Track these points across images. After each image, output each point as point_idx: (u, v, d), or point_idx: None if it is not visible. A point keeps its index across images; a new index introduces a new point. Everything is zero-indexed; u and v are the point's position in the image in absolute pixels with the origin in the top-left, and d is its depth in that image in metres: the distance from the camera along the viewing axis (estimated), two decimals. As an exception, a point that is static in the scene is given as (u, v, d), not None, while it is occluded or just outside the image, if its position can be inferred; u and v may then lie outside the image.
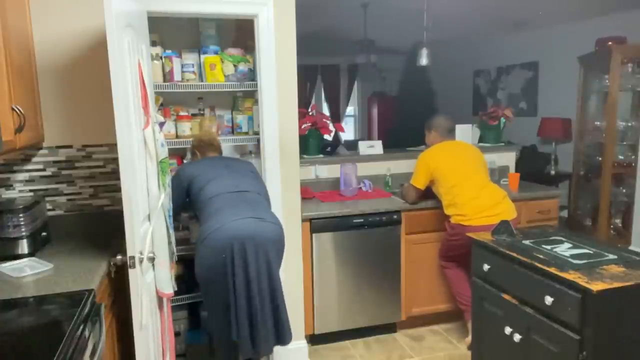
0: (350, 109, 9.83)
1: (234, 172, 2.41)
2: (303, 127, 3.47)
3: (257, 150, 2.98)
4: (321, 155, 3.66)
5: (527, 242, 2.24)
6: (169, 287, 2.11)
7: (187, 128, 2.77)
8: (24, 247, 2.06)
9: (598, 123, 5.01)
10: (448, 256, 3.08)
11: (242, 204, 2.22)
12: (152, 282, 2.05)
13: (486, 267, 2.26)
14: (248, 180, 2.40)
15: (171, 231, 2.18)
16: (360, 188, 3.50)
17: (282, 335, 2.23)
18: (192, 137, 2.72)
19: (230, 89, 2.81)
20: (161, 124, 2.19)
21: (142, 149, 1.98)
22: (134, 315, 1.84)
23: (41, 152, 2.39)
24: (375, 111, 9.34)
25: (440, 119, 3.21)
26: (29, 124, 1.96)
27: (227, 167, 2.43)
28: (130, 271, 1.82)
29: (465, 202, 2.86)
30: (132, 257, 1.81)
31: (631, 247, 3.27)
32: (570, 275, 1.82)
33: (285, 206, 2.76)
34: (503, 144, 4.07)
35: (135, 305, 1.83)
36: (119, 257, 1.91)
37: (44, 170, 2.41)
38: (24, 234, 2.06)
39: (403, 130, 6.47)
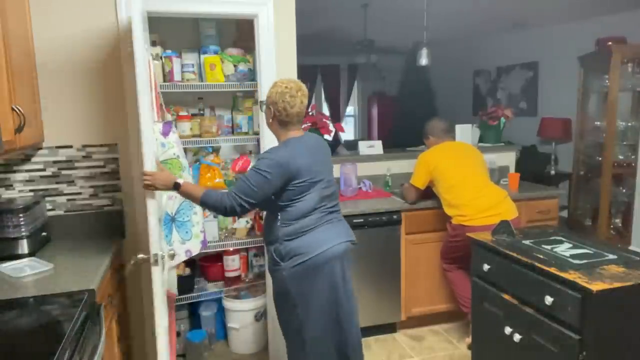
0: (350, 109, 9.83)
1: (329, 173, 2.14)
2: (303, 127, 3.46)
3: (257, 150, 2.97)
4: (321, 155, 3.65)
5: (527, 242, 2.24)
6: (174, 288, 2.11)
7: (187, 128, 2.77)
8: (24, 247, 2.06)
9: (598, 123, 5.01)
10: (450, 258, 3.07)
11: (339, 225, 2.11)
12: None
13: (486, 267, 2.26)
14: (335, 185, 2.19)
15: (184, 233, 2.13)
16: (360, 188, 3.50)
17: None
18: (276, 91, 2.05)
19: (230, 89, 2.81)
20: (168, 123, 2.15)
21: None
22: (156, 314, 1.83)
23: (41, 152, 2.38)
24: (375, 111, 9.34)
25: (434, 122, 3.20)
26: (29, 124, 1.96)
27: (324, 169, 2.10)
28: (153, 269, 1.81)
29: (467, 202, 2.86)
30: (156, 255, 1.81)
31: (631, 247, 3.27)
32: (570, 275, 1.82)
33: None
34: (503, 144, 4.06)
35: (158, 304, 1.83)
36: (140, 255, 1.89)
37: (44, 170, 2.41)
38: (24, 234, 2.06)
39: (403, 130, 6.47)
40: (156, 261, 1.82)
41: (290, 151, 1.98)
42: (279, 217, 2.02)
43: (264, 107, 2.13)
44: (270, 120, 2.08)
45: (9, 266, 1.94)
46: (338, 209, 2.16)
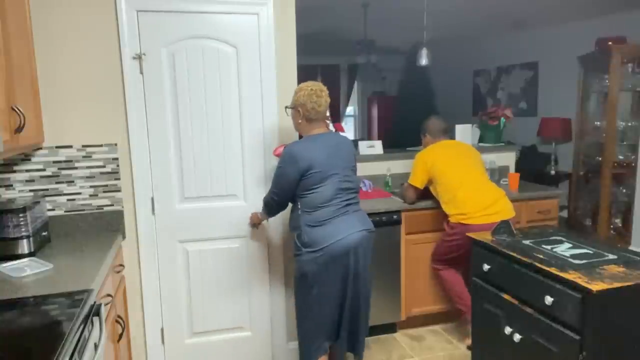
0: (350, 109, 9.83)
1: (346, 169, 2.29)
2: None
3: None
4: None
5: (527, 242, 2.24)
6: None
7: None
8: (24, 247, 2.06)
9: (598, 123, 5.02)
10: (443, 259, 3.04)
11: (354, 216, 2.29)
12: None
13: (486, 267, 2.26)
14: (354, 180, 2.36)
15: None
16: (360, 188, 3.50)
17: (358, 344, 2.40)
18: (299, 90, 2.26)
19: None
20: None
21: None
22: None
23: (41, 152, 2.38)
24: (375, 111, 9.35)
25: (432, 120, 3.20)
26: (29, 124, 1.96)
27: (341, 164, 2.26)
28: None
29: (466, 200, 2.84)
30: None
31: (631, 247, 3.27)
32: (570, 275, 1.82)
33: (285, 206, 2.76)
34: (503, 144, 4.07)
35: None
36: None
37: (44, 170, 2.41)
38: (24, 234, 2.06)
39: (403, 130, 6.47)
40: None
41: (304, 144, 2.22)
42: (299, 206, 2.25)
43: (289, 111, 2.34)
44: (300, 121, 2.28)
45: (9, 266, 1.93)
46: (356, 201, 2.34)
